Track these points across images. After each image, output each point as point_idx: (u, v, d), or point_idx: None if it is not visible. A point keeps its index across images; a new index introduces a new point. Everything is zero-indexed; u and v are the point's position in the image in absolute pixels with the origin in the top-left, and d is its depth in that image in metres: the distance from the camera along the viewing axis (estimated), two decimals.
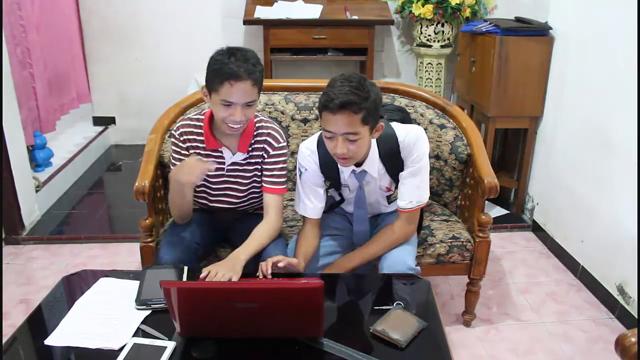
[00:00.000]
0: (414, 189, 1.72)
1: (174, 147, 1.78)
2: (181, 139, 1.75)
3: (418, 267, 1.75)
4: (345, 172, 1.75)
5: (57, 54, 3.55)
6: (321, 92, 2.24)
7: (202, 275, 1.50)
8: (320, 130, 1.70)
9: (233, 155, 1.76)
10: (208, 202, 1.87)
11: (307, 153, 1.74)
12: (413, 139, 1.69)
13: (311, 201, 1.76)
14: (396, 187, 1.80)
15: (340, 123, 1.51)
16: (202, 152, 1.76)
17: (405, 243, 1.78)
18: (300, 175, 1.77)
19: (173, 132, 1.78)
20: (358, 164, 1.72)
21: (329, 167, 1.73)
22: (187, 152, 1.76)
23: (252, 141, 1.75)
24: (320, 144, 1.72)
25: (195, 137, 1.75)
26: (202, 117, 1.75)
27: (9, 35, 2.92)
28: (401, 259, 1.72)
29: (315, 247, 1.78)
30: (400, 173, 1.73)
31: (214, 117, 1.69)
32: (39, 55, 3.28)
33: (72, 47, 3.81)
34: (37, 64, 3.25)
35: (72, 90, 3.81)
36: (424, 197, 1.75)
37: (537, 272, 2.64)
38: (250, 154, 1.76)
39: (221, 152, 1.76)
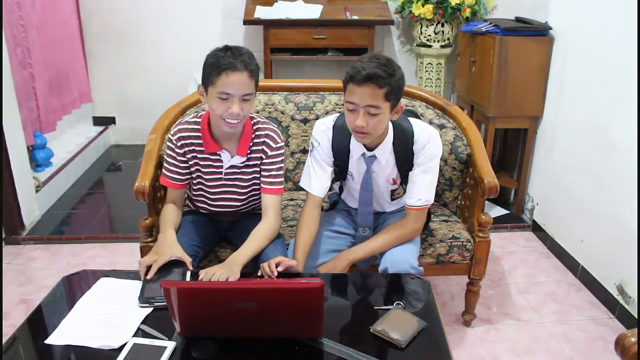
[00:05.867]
0: (424, 188, 1.75)
1: (168, 151, 1.75)
2: (178, 144, 1.72)
3: (421, 268, 1.75)
4: (355, 156, 1.76)
5: (57, 54, 3.55)
6: (321, 93, 2.29)
7: (200, 278, 1.50)
8: (339, 113, 1.76)
9: (231, 158, 1.74)
10: (208, 207, 1.86)
11: (323, 128, 1.77)
12: (427, 137, 1.73)
13: (317, 176, 1.78)
14: (401, 182, 1.82)
15: (364, 95, 1.54)
16: (199, 155, 1.74)
17: (409, 242, 1.79)
18: (311, 151, 1.80)
19: (170, 136, 1.75)
20: (370, 148, 1.74)
21: (340, 147, 1.77)
22: (183, 158, 1.74)
23: (251, 143, 1.73)
24: (337, 124, 1.76)
25: (192, 140, 1.72)
26: (199, 119, 1.73)
27: (9, 35, 2.91)
28: (404, 258, 1.72)
29: (315, 233, 1.78)
30: (411, 172, 1.76)
31: (212, 117, 1.68)
32: (39, 55, 3.28)
33: (72, 47, 3.81)
34: (37, 64, 3.25)
35: (74, 90, 3.81)
36: (431, 197, 1.78)
37: (537, 272, 2.64)
38: (249, 156, 1.75)
39: (219, 155, 1.74)
